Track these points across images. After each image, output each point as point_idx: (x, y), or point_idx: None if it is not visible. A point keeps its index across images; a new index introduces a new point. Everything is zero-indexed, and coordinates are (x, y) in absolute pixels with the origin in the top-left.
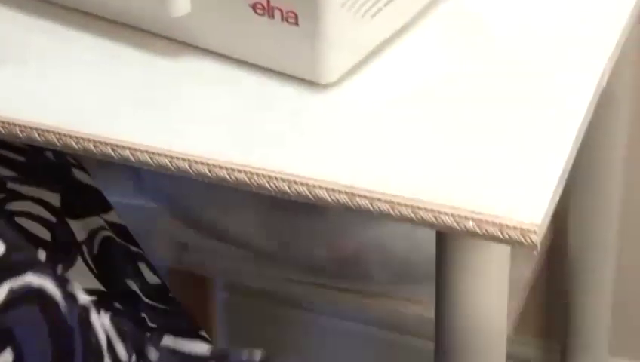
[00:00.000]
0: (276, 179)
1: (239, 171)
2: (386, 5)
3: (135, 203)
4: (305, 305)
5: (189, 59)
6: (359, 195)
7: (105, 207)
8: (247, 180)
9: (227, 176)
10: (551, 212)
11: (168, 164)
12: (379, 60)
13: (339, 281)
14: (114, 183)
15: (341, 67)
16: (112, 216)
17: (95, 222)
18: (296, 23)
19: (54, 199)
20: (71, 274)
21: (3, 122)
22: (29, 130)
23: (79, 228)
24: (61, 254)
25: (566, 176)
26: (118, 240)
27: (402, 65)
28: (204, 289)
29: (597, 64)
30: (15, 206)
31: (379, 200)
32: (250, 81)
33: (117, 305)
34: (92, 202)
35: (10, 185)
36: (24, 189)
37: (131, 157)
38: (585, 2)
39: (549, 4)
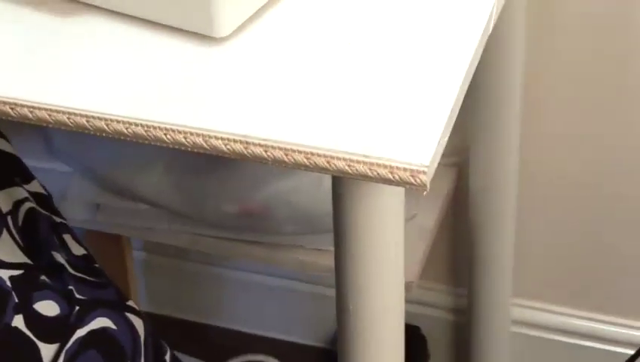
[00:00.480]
0: (172, 131)
1: (136, 125)
2: None
3: (47, 166)
4: (217, 260)
5: (83, 18)
6: (254, 144)
7: (27, 176)
8: (145, 133)
9: (124, 130)
10: (439, 153)
11: (66, 120)
12: (270, 13)
13: (249, 235)
14: (25, 147)
15: (234, 21)
16: (34, 186)
17: (18, 192)
18: None
19: None
20: None
21: None
22: None
23: (3, 199)
24: None
25: (454, 120)
26: (42, 211)
27: (292, 18)
28: (121, 249)
29: (485, 5)
30: None
31: (272, 147)
32: (146, 37)
33: (44, 278)
34: (14, 172)
35: None
36: None
37: (30, 115)
38: None
39: None
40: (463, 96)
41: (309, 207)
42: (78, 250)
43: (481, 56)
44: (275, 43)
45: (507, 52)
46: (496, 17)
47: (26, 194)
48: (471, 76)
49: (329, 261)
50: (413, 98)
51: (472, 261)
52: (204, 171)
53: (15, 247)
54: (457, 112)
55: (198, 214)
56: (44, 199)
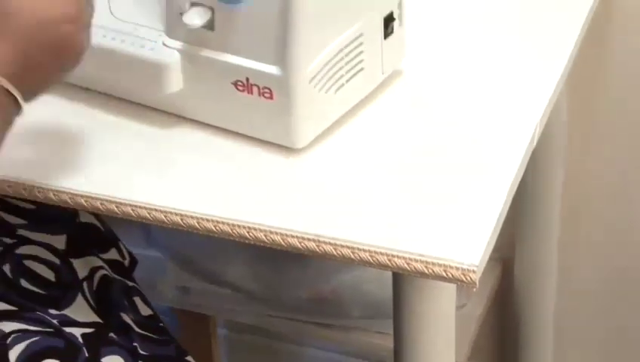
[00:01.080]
0: (255, 229)
1: (223, 223)
2: (347, 82)
3: (145, 253)
4: (291, 338)
5: (181, 130)
6: (324, 242)
7: (106, 245)
8: (230, 231)
9: (213, 228)
10: (488, 253)
11: (163, 218)
12: (342, 128)
13: (320, 318)
14: (126, 236)
15: (310, 134)
16: (111, 254)
17: (94, 261)
18: (272, 98)
19: (60, 242)
20: (71, 310)
21: (38, 187)
22: (61, 193)
23: (81, 266)
24: (63, 293)
25: (501, 224)
26: (116, 276)
27: (361, 133)
28: (207, 327)
29: (529, 125)
30: (24, 250)
31: (341, 246)
32: (233, 146)
33: (112, 335)
34: (94, 241)
35: (20, 231)
36: (33, 235)
37: (132, 213)
38: (513, 72)
39: (482, 72)
40: (509, 202)
41: (374, 294)
42: (145, 311)
43: (527, 163)
44: (343, 155)
45: (550, 160)
46: (540, 131)
47: (101, 263)
48: (517, 183)
49: (390, 343)
50: (465, 204)
51: (516, 343)
52: (281, 261)
53: (88, 309)
54: (504, 216)
55: (275, 298)
56: (119, 265)
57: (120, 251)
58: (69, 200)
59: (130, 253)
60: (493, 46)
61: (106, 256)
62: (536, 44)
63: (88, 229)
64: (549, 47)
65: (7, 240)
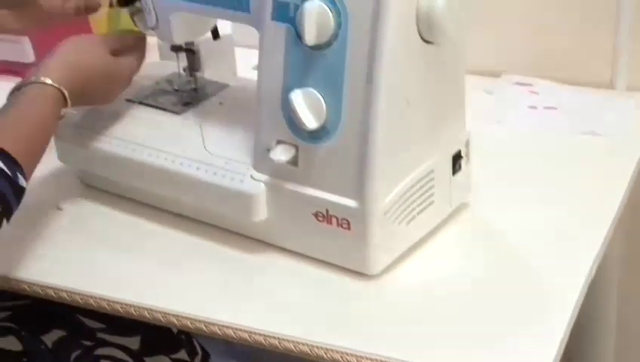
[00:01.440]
0: (331, 351)
1: (302, 344)
2: (418, 214)
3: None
4: None
5: (264, 255)
6: None
7: (176, 346)
8: (309, 351)
9: (293, 348)
10: None
11: (247, 337)
12: (412, 256)
13: None
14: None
15: (383, 262)
16: (181, 354)
17: (166, 360)
18: (349, 229)
19: (134, 343)
20: None
21: (135, 306)
22: (155, 312)
23: None
24: None
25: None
26: None
27: (428, 261)
28: None
29: (583, 265)
30: (102, 351)
31: None
32: (313, 271)
33: None
34: (166, 343)
35: (99, 334)
36: (110, 338)
37: (219, 332)
38: (573, 211)
39: (546, 209)
40: (569, 330)
41: None
42: None
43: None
44: (414, 280)
45: (605, 292)
46: (597, 266)
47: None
48: (575, 316)
49: None
50: (525, 335)
51: None
52: None
53: None
54: (562, 350)
55: None
56: None
57: (190, 352)
58: (161, 319)
59: (202, 348)
60: (553, 184)
61: (175, 356)
62: (593, 184)
63: (161, 331)
64: (606, 188)
65: (88, 343)
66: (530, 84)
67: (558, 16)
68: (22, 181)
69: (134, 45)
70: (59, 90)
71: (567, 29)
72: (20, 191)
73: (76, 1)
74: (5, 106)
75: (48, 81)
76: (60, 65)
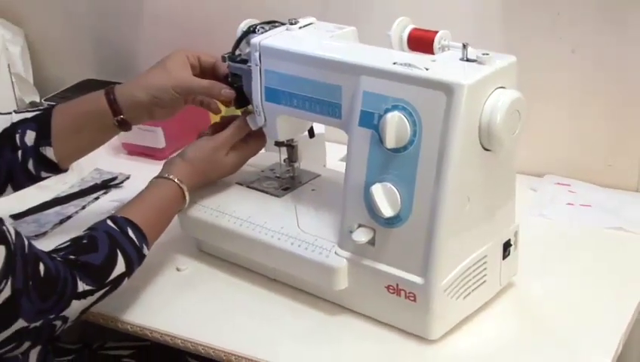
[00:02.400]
0: None
1: None
2: (473, 291)
3: None
4: None
5: (343, 317)
6: None
7: None
8: None
9: None
10: None
11: None
12: (466, 326)
13: None
14: None
15: (442, 330)
16: None
17: None
18: (415, 301)
19: None
20: None
21: (229, 353)
22: (241, 358)
23: None
24: None
25: None
26: None
27: (481, 329)
28: None
29: (612, 342)
30: None
31: None
32: (383, 333)
33: None
34: None
35: None
36: None
37: None
38: (601, 294)
39: (579, 290)
40: None
41: None
42: None
43: None
44: (468, 346)
45: None
46: (624, 342)
47: None
48: None
49: None
50: None
51: None
52: None
53: None
54: None
55: None
56: None
57: None
58: None
59: None
60: (585, 269)
61: None
62: (620, 271)
63: None
64: (631, 275)
65: None
66: (568, 184)
67: (593, 128)
68: (145, 250)
69: (251, 141)
70: (182, 190)
71: (601, 139)
72: (142, 258)
73: (227, 94)
74: (143, 191)
75: (177, 180)
76: (187, 172)
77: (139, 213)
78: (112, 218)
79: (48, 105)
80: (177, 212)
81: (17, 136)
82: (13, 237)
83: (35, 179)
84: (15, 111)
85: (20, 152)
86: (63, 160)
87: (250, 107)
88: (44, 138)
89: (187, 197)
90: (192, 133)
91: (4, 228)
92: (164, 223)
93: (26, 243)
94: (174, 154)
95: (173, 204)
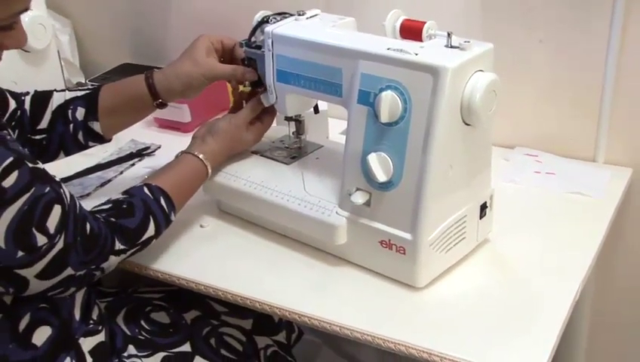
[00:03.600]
0: (390, 342)
1: (368, 336)
2: (454, 246)
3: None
4: None
5: (341, 267)
6: (434, 354)
7: (278, 329)
8: (371, 340)
9: (371, 341)
10: None
11: (327, 327)
12: (448, 275)
13: None
14: None
15: (427, 279)
16: (280, 337)
17: (268, 340)
18: (404, 254)
19: (247, 324)
20: None
21: (244, 297)
22: (254, 301)
23: (260, 342)
24: (248, 359)
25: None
26: (281, 352)
27: (460, 279)
28: None
29: (571, 287)
30: (224, 329)
31: (438, 356)
32: (376, 281)
33: None
34: (270, 325)
35: (223, 316)
36: (230, 319)
37: (308, 322)
38: (564, 247)
39: (544, 245)
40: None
41: None
42: None
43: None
44: (448, 293)
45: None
46: (581, 290)
47: (272, 342)
48: (562, 332)
49: None
50: (521, 341)
51: None
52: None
53: None
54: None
55: None
56: (285, 346)
57: (289, 331)
58: (267, 309)
59: (298, 328)
60: (550, 228)
61: (276, 337)
62: (580, 229)
63: (266, 316)
64: (589, 231)
65: (214, 322)
66: (536, 155)
67: (556, 108)
68: (172, 217)
69: (265, 117)
70: (206, 167)
71: (564, 116)
72: (169, 223)
73: (249, 76)
74: (171, 163)
75: (201, 156)
76: (212, 150)
77: (170, 183)
78: (147, 186)
79: (92, 85)
80: (201, 184)
81: (70, 111)
82: (68, 198)
83: (83, 147)
84: (68, 90)
85: (71, 125)
86: (108, 132)
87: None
88: (92, 114)
89: (209, 173)
90: (214, 108)
91: (61, 190)
92: (189, 194)
93: (77, 204)
94: (200, 128)
95: (198, 178)
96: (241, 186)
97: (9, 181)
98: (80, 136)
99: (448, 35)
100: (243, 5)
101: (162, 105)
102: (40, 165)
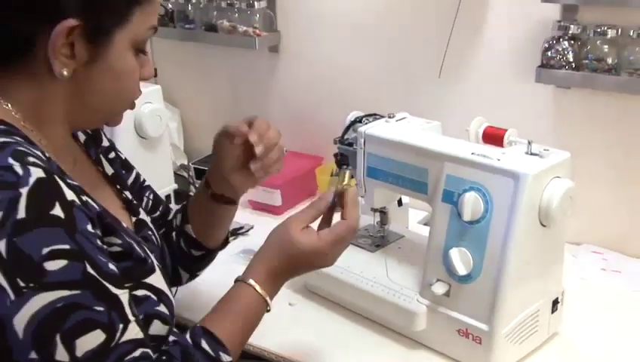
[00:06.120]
0: None
1: None
2: (526, 338)
3: None
4: None
5: (419, 351)
6: None
7: None
8: None
9: None
10: None
11: None
12: None
13: None
14: None
15: None
16: None
17: None
18: (480, 343)
19: None
20: None
21: None
22: None
23: None
24: None
25: None
26: None
27: None
28: None
29: None
30: None
31: None
32: None
33: None
34: None
35: None
36: None
37: None
38: (633, 345)
39: (612, 341)
40: None
41: None
42: None
43: None
44: None
45: None
46: None
47: None
48: None
49: None
50: None
51: None
52: None
53: None
54: None
55: None
56: None
57: None
58: None
59: None
60: (619, 324)
61: None
62: None
63: None
64: None
65: None
66: (602, 253)
67: (624, 209)
68: (224, 358)
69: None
70: (262, 296)
71: (631, 216)
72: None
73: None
74: (226, 298)
75: (258, 288)
76: (267, 275)
77: (219, 321)
78: (190, 330)
79: (195, 167)
80: (262, 315)
81: (174, 220)
82: (121, 338)
83: (187, 257)
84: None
85: (174, 233)
86: (199, 235)
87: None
88: (184, 217)
89: (269, 302)
90: (303, 193)
91: (119, 325)
92: (247, 329)
93: (132, 356)
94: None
95: (255, 311)
96: (328, 270)
97: (54, 265)
98: (182, 244)
99: (529, 142)
100: (336, 105)
101: (219, 198)
102: (114, 290)
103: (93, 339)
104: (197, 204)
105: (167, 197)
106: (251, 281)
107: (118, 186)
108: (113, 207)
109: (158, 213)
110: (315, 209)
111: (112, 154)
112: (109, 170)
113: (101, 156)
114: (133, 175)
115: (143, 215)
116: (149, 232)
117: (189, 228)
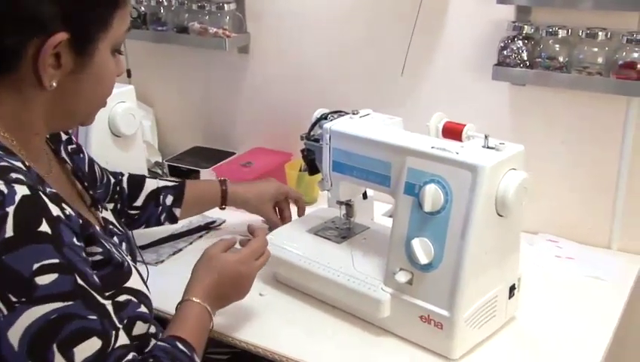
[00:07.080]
0: None
1: None
2: (485, 323)
3: None
4: None
5: (381, 337)
6: None
7: None
8: None
9: None
10: None
11: None
12: (480, 348)
13: None
14: None
15: (462, 350)
16: None
17: None
18: (441, 329)
19: None
20: None
21: (291, 359)
22: None
23: None
24: None
25: None
26: None
27: (491, 351)
28: None
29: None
30: None
31: None
32: (415, 351)
33: None
34: None
35: None
36: None
37: None
38: (583, 325)
39: (565, 323)
40: None
41: None
42: None
43: None
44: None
45: None
46: None
47: None
48: None
49: None
50: None
51: None
52: None
53: None
54: None
55: None
56: None
57: None
58: None
59: None
60: (570, 308)
61: None
62: (598, 309)
63: None
64: (606, 312)
65: None
66: (557, 241)
67: (576, 200)
68: (196, 358)
69: (263, 253)
70: (206, 308)
71: (582, 208)
72: None
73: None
74: (177, 317)
75: (200, 301)
76: (204, 292)
77: (180, 332)
78: (162, 339)
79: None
80: (209, 325)
81: (161, 197)
82: (115, 344)
83: (159, 224)
84: (159, 179)
85: (160, 208)
86: (181, 217)
87: (320, 174)
88: (177, 203)
89: (211, 313)
90: None
91: (111, 332)
92: (203, 338)
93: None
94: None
95: (204, 322)
96: (296, 261)
97: (44, 279)
98: (163, 217)
99: (485, 137)
100: (304, 102)
101: (223, 208)
102: (102, 300)
103: (90, 347)
104: (198, 204)
105: None
106: (194, 299)
107: (86, 184)
108: (83, 208)
109: (111, 186)
110: (226, 240)
111: (72, 146)
112: (70, 166)
113: (63, 154)
114: (87, 157)
115: (106, 212)
116: (112, 226)
117: (178, 211)
